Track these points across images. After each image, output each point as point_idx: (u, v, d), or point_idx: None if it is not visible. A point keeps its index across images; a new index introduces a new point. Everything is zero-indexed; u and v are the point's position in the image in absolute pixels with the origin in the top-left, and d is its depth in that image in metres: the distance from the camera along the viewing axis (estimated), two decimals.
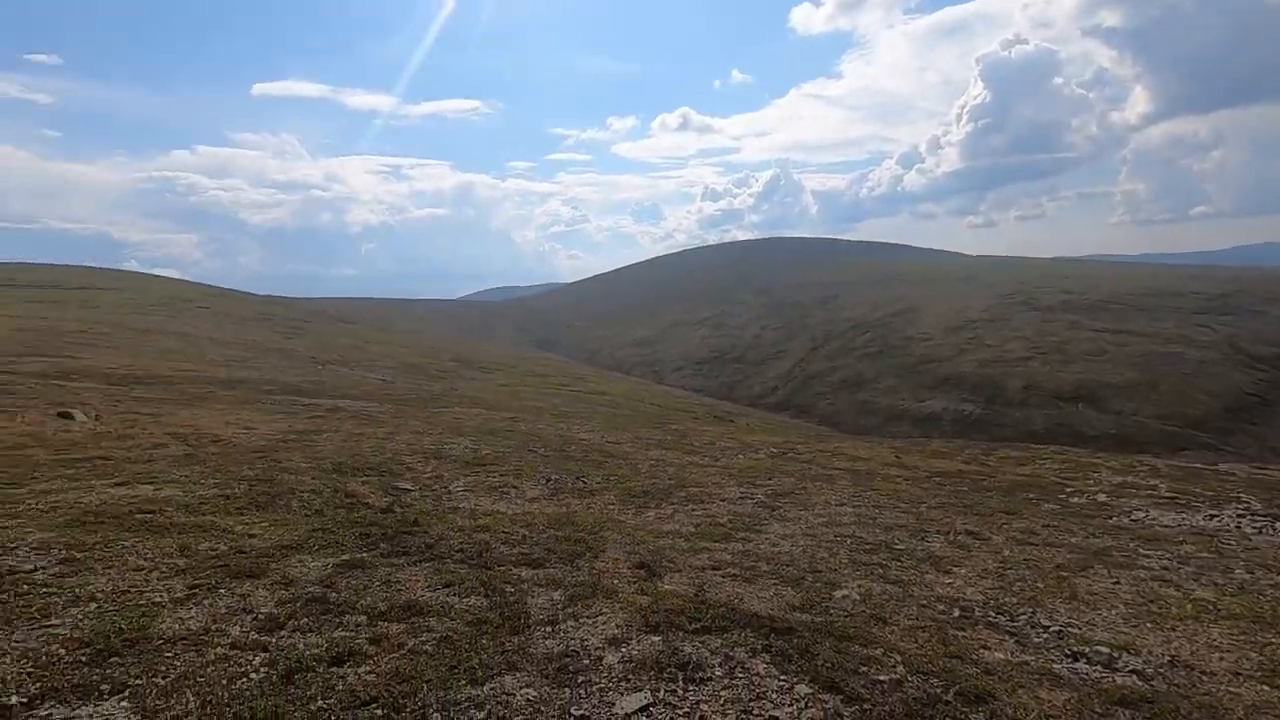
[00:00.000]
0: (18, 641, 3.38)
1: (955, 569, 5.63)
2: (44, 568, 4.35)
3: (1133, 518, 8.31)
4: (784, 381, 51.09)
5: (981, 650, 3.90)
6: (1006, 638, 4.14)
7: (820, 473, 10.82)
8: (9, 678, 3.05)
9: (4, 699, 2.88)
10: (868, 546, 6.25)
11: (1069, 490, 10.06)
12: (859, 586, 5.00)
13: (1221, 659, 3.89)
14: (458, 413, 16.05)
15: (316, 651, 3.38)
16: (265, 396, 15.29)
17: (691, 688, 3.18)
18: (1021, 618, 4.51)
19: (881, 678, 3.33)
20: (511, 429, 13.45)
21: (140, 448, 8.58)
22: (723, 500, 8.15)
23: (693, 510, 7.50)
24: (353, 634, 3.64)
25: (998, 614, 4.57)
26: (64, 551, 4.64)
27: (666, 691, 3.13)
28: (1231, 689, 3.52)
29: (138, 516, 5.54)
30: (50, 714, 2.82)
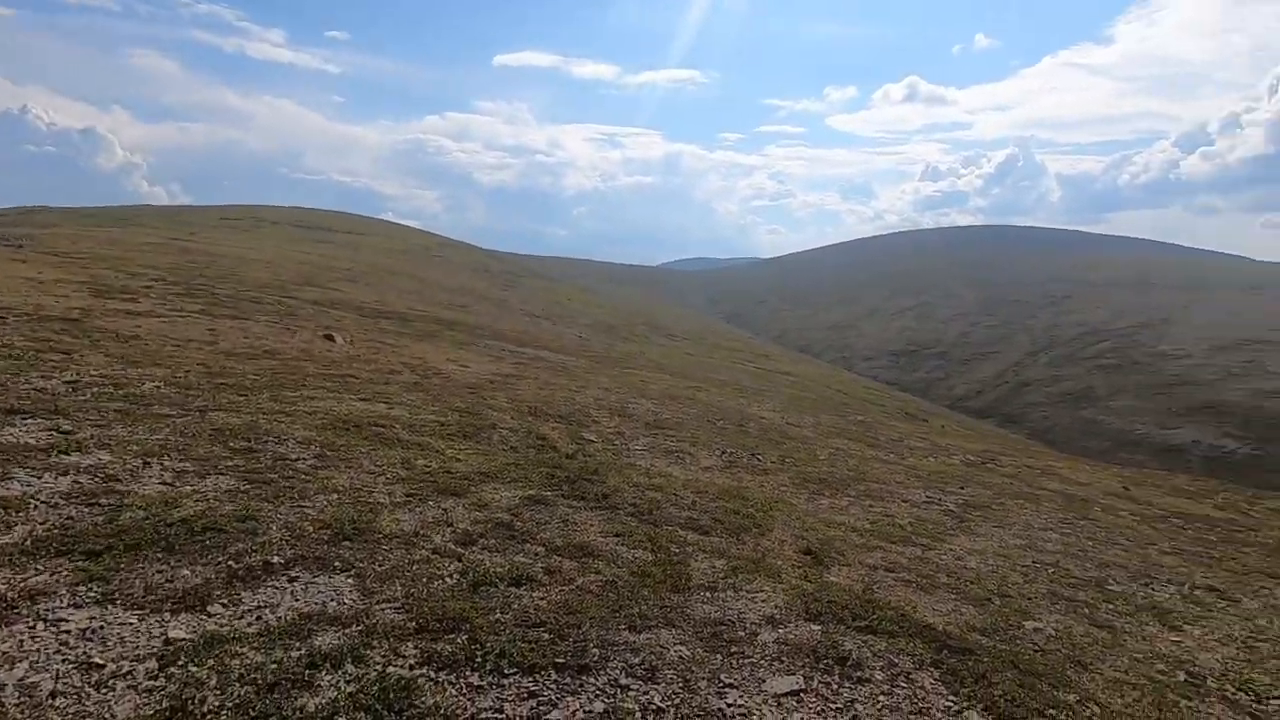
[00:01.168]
0: (281, 514, 4.16)
1: (1187, 627, 4.78)
2: (304, 459, 5.28)
3: None
4: (991, 386, 46.21)
5: None
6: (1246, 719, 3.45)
7: (1024, 490, 9.73)
8: (273, 542, 3.77)
9: (269, 558, 3.58)
10: (1074, 581, 5.53)
11: None
12: (1056, 622, 4.45)
13: None
14: (644, 375, 16.65)
15: (500, 570, 3.75)
16: (479, 340, 17.03)
17: (848, 685, 3.05)
18: (1274, 702, 3.72)
19: None
20: (693, 398, 13.68)
21: (380, 372, 10.01)
22: (905, 501, 7.66)
23: (870, 506, 7.14)
24: (531, 561, 3.98)
25: (1239, 690, 3.81)
26: (319, 449, 5.58)
27: (820, 682, 3.04)
28: None
29: (374, 429, 6.50)
30: (298, 576, 3.45)
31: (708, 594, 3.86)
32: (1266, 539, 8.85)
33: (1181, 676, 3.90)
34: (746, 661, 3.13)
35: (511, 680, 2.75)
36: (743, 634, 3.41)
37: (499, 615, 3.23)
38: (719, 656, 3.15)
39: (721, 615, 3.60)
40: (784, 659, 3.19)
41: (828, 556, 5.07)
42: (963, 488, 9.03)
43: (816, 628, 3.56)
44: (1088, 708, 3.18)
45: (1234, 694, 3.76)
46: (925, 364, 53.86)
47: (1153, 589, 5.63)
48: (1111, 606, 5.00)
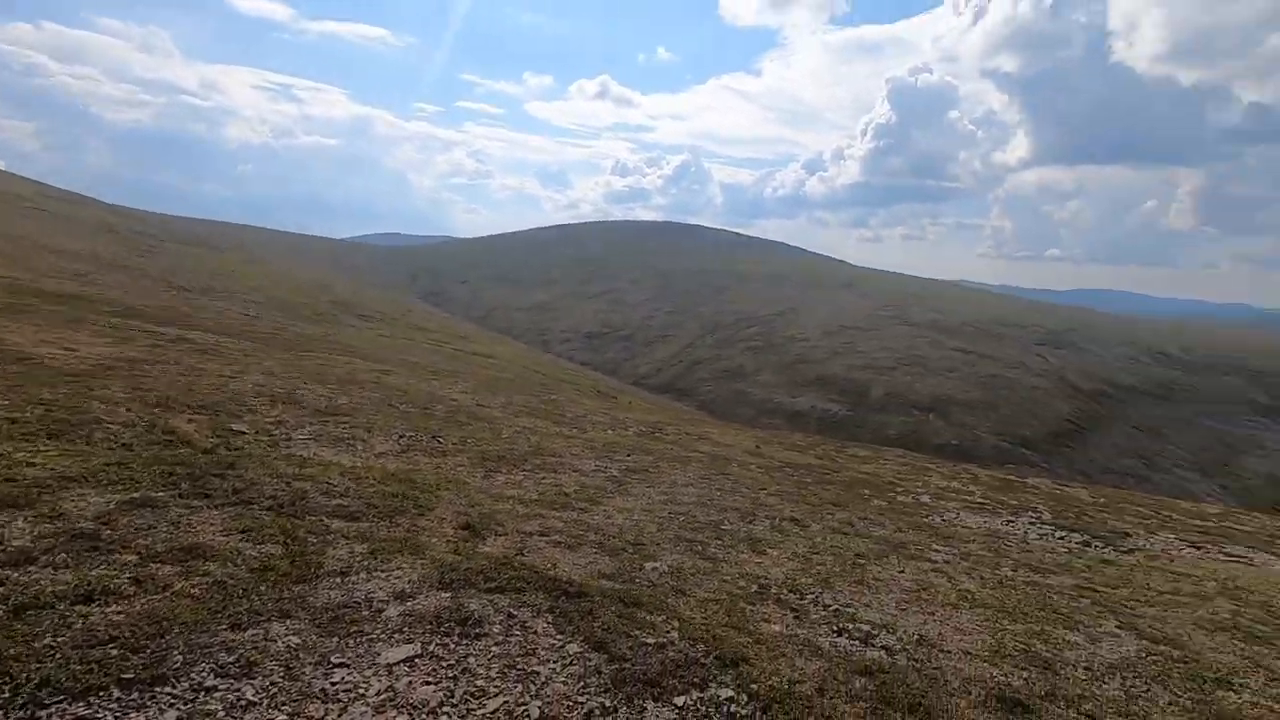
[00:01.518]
0: None
1: (769, 551, 6.02)
2: None
3: (943, 517, 9.21)
4: (669, 365, 52.22)
5: (761, 623, 4.21)
6: (788, 613, 4.50)
7: (679, 454, 11.18)
8: None
9: None
10: (696, 525, 6.55)
11: (899, 490, 10.98)
12: (672, 560, 5.25)
13: (961, 640, 4.43)
14: (325, 359, 15.21)
15: (62, 589, 3.13)
16: (100, 317, 13.82)
17: (465, 642, 3.23)
18: (809, 597, 4.91)
19: (649, 640, 3.53)
20: (379, 382, 12.94)
21: None
22: (575, 471, 8.25)
23: (542, 478, 7.55)
24: (115, 573, 3.40)
25: (790, 592, 4.94)
26: None
27: (438, 645, 3.16)
28: (958, 665, 4.01)
29: None
30: None
31: (338, 579, 3.72)
32: (843, 479, 11.52)
33: (754, 588, 4.92)
34: (365, 639, 3.11)
35: (53, 710, 2.33)
36: (367, 613, 3.37)
37: (50, 640, 2.70)
38: (334, 639, 3.08)
39: (348, 598, 3.51)
40: (405, 629, 3.25)
41: (487, 529, 5.25)
42: (629, 455, 10.05)
43: (446, 595, 3.69)
44: (671, 623, 3.84)
45: (785, 595, 4.87)
46: (614, 345, 58.56)
47: (753, 524, 6.95)
48: (720, 542, 6.07)
